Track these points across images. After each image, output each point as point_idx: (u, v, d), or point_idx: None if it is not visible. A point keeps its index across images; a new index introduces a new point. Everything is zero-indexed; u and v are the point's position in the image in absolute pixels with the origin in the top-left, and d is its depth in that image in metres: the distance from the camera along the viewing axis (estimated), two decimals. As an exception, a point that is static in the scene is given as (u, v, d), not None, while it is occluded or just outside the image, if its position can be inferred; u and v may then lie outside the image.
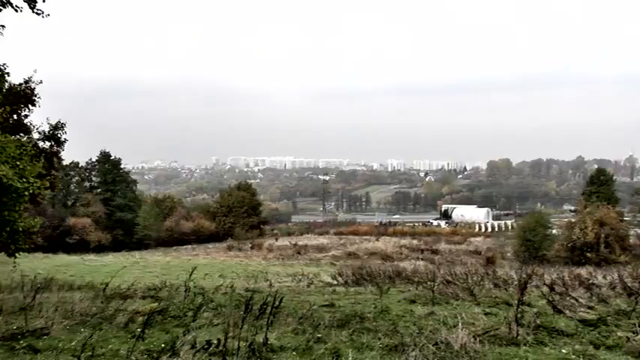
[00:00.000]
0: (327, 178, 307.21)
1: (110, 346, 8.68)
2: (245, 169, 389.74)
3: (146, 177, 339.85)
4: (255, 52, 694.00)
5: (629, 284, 15.69)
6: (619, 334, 9.47)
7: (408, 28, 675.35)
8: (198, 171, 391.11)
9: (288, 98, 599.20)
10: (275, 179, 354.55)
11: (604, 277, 20.80)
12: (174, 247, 75.30)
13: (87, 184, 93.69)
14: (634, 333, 9.28)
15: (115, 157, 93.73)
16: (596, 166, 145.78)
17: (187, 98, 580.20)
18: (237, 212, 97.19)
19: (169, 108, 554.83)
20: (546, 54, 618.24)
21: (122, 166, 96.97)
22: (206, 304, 12.96)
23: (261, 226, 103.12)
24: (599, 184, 73.34)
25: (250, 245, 69.88)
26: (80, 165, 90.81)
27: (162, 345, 8.33)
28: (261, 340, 8.25)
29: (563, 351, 8.36)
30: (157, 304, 13.11)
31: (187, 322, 10.63)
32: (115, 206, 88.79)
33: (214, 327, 10.31)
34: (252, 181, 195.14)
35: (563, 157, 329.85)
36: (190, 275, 14.16)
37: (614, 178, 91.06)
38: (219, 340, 7.70)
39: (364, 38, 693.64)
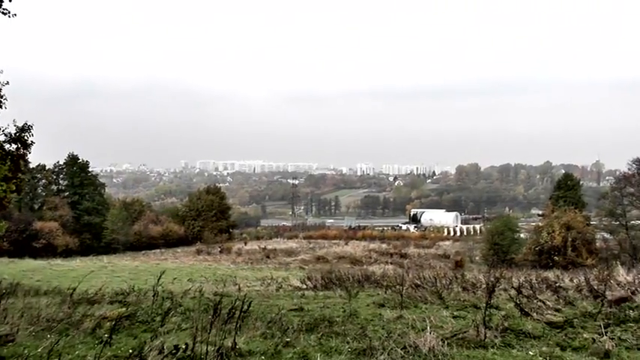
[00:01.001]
0: (297, 182, 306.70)
1: (77, 352, 8.59)
2: (214, 173, 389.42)
3: (114, 180, 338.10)
4: (226, 55, 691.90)
5: (595, 287, 15.84)
6: (585, 335, 9.58)
7: (379, 33, 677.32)
8: (167, 174, 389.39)
9: (259, 102, 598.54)
10: (244, 183, 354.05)
11: (571, 280, 20.94)
12: (143, 252, 75.09)
13: (54, 187, 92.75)
14: (599, 334, 9.39)
15: (83, 160, 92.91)
16: (563, 171, 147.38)
17: (157, 101, 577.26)
18: (206, 216, 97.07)
19: (139, 110, 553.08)
20: (515, 60, 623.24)
21: (90, 169, 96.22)
22: (174, 308, 12.90)
23: (230, 230, 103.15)
24: (567, 188, 74.33)
25: (219, 249, 69.91)
26: (47, 168, 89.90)
27: (130, 350, 8.24)
28: (230, 345, 8.23)
29: (530, 353, 8.43)
30: (124, 309, 12.99)
31: (155, 327, 10.57)
32: (83, 210, 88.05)
33: (183, 331, 10.25)
34: (221, 184, 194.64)
35: (531, 162, 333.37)
36: (158, 279, 14.06)
37: (581, 182, 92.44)
38: (186, 344, 7.68)
39: (335, 42, 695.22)
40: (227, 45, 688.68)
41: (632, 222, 60.78)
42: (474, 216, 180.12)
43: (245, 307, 9.55)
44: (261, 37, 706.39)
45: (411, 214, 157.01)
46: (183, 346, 7.60)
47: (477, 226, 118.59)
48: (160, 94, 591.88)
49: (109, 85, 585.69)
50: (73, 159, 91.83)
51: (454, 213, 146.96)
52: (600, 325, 10.12)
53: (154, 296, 13.88)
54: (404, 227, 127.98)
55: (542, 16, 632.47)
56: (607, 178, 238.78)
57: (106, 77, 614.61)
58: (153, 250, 77.71)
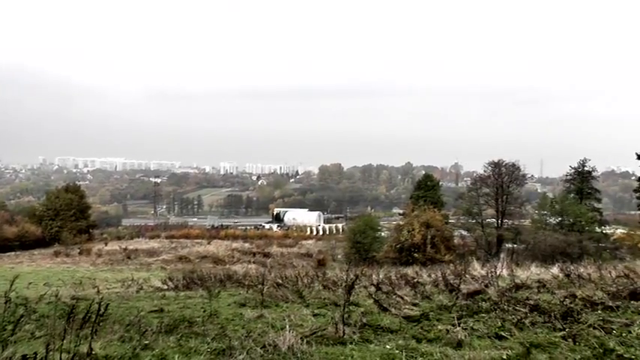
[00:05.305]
0: (159, 180, 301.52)
1: None
2: (74, 170, 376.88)
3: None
4: (93, 49, 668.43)
5: (451, 281, 16.41)
6: (439, 327, 9.92)
7: (247, 33, 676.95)
8: (23, 171, 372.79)
9: (121, 98, 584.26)
10: (105, 181, 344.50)
11: (429, 276, 21.60)
12: (-4, 255, 71.69)
13: None
14: (453, 326, 9.73)
15: None
16: (423, 172, 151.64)
17: (13, 91, 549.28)
18: (65, 216, 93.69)
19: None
20: (378, 64, 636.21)
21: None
22: (28, 315, 12.40)
23: (90, 230, 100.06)
24: (427, 188, 76.78)
25: (78, 250, 67.81)
26: None
27: (-25, 364, 7.87)
28: (86, 351, 7.98)
29: (388, 347, 8.63)
30: (-28, 318, 12.40)
31: (6, 337, 10.10)
32: None
33: (36, 340, 9.87)
34: (81, 182, 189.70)
35: (393, 163, 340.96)
36: (12, 284, 13.49)
37: (441, 183, 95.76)
38: (35, 354, 7.38)
39: (203, 39, 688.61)
40: (95, 38, 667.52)
41: (488, 220, 63.65)
42: (337, 215, 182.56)
43: (102, 310, 9.30)
44: (130, 32, 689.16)
45: (275, 213, 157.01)
46: (35, 356, 7.31)
47: (340, 225, 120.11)
48: (18, 85, 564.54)
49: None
50: None
51: (317, 212, 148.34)
52: (454, 317, 10.50)
53: (5, 303, 13.29)
54: (267, 226, 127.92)
55: (413, 24, 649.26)
56: (465, 179, 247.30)
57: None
58: (7, 253, 74.04)
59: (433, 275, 21.38)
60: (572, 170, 72.97)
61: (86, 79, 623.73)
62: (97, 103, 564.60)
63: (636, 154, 60.00)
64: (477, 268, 22.88)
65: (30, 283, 25.45)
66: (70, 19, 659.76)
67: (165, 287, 24.46)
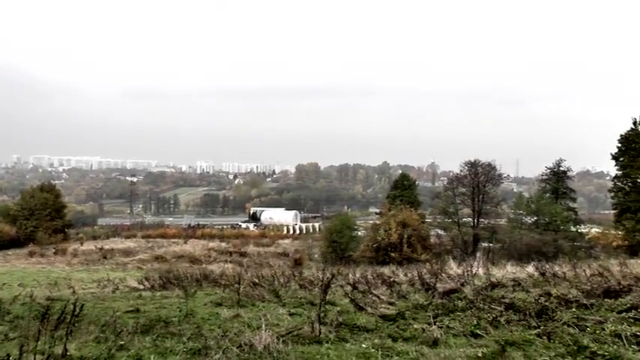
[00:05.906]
0: (135, 179, 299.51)
1: None
2: (49, 169, 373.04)
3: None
4: (69, 46, 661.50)
5: (427, 280, 16.46)
6: (415, 326, 9.97)
7: (223, 31, 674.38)
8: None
9: (97, 96, 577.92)
10: (81, 180, 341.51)
11: (405, 275, 21.65)
12: (-31, 256, 70.88)
13: None
14: (429, 324, 9.78)
15: None
16: (400, 172, 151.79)
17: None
18: (40, 215, 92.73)
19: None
20: (356, 64, 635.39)
21: None
22: (1, 316, 12.32)
23: (66, 230, 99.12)
24: (403, 188, 76.84)
25: (54, 250, 67.24)
26: None
27: (-54, 367, 7.79)
28: (60, 352, 7.93)
29: (363, 346, 8.65)
30: (-55, 320, 12.27)
31: (-21, 339, 10.05)
32: None
33: (10, 342, 9.78)
34: (56, 181, 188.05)
35: (370, 163, 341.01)
36: (-15, 285, 13.41)
37: (417, 182, 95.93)
38: (8, 355, 7.32)
39: (179, 38, 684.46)
40: (70, 36, 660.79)
41: (464, 219, 63.87)
42: (314, 214, 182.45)
43: (77, 310, 9.22)
44: (106, 30, 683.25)
45: (251, 212, 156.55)
46: (6, 358, 7.25)
47: (317, 225, 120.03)
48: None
49: None
50: None
51: (294, 211, 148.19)
52: (430, 316, 10.56)
53: (-21, 305, 13.21)
54: (244, 226, 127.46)
55: (390, 24, 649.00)
56: (441, 178, 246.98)
57: None
58: (-19, 254, 73.61)
59: (409, 274, 21.43)
60: (548, 170, 73.45)
61: (62, 77, 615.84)
62: (72, 102, 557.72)
63: (611, 154, 60.65)
64: (453, 267, 23.01)
65: (4, 284, 25.36)
66: (45, 17, 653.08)
67: (142, 287, 24.35)
